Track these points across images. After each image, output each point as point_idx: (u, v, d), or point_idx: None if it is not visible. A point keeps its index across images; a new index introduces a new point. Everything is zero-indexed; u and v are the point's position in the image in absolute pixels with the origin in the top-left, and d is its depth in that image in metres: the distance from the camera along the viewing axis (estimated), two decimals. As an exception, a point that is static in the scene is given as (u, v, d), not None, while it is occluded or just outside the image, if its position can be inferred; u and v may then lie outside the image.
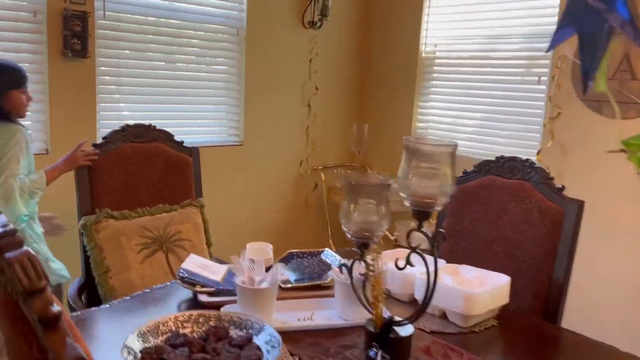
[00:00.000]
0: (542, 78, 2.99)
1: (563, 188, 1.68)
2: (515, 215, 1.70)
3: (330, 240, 3.73)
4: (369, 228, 1.27)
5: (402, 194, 1.19)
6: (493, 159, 1.83)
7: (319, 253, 1.78)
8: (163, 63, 3.04)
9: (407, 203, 1.20)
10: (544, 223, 1.63)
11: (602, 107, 2.72)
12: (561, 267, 1.60)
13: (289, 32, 3.49)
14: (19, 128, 2.05)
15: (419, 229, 1.21)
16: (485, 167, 1.84)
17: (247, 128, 3.39)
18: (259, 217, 3.48)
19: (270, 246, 1.67)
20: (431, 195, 1.15)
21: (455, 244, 1.85)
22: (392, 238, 3.21)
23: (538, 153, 2.96)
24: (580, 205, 1.63)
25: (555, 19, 2.86)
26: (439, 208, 1.17)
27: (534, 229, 1.65)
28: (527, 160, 1.76)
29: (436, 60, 3.54)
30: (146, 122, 2.23)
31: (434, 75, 3.56)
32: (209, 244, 2.22)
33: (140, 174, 2.14)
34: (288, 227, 3.73)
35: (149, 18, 2.92)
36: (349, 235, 1.30)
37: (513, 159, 1.78)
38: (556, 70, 2.87)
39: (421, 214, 1.19)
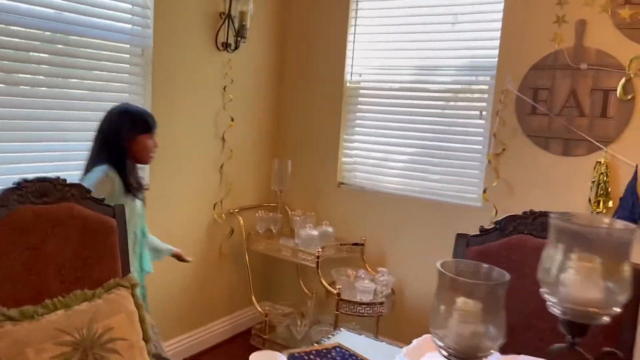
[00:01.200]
0: (483, 112, 2.87)
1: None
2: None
3: (253, 297, 3.23)
4: (475, 345, 0.89)
5: (547, 297, 0.84)
6: (519, 213, 1.57)
7: (330, 351, 1.34)
8: (44, 89, 2.31)
9: (555, 310, 0.84)
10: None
11: (549, 143, 2.66)
12: (626, 340, 1.36)
13: (201, 54, 2.96)
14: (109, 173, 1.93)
15: (571, 346, 0.85)
16: (510, 223, 1.57)
17: (151, 166, 2.77)
18: (165, 274, 2.85)
19: (282, 357, 1.20)
20: (597, 303, 0.80)
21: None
22: (334, 291, 2.82)
23: (484, 192, 2.82)
24: None
25: (496, 52, 2.77)
26: (606, 319, 0.82)
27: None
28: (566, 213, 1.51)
29: (362, 91, 3.28)
30: (51, 174, 1.58)
31: (361, 106, 3.30)
32: (146, 339, 1.63)
33: (46, 249, 1.50)
34: (199, 283, 3.15)
35: (30, 31, 2.21)
36: (444, 352, 0.91)
37: (546, 214, 1.52)
38: (499, 105, 2.76)
39: (577, 327, 0.84)
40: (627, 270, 0.77)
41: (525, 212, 1.55)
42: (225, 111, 3.15)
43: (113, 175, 1.93)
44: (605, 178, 2.50)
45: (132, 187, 1.99)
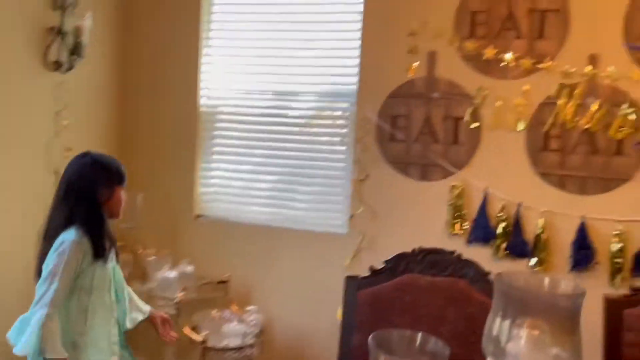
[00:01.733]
0: (345, 139, 2.86)
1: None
2: (456, 323, 1.41)
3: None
4: None
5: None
6: (408, 251, 1.52)
7: None
8: None
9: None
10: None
11: (409, 168, 2.73)
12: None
13: (25, 75, 2.51)
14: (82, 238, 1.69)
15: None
16: (400, 262, 1.51)
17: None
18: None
19: None
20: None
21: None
22: (198, 339, 2.55)
23: (351, 218, 2.80)
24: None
25: (356, 79, 2.79)
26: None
27: (487, 339, 1.39)
28: (452, 252, 1.50)
29: (221, 116, 3.08)
30: None
31: (219, 132, 3.09)
32: None
33: None
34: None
35: None
36: None
37: (436, 252, 1.49)
38: (361, 132, 2.77)
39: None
40: (577, 337, 0.72)
41: (414, 250, 1.51)
42: (59, 140, 2.70)
43: (85, 240, 1.69)
44: (460, 201, 2.63)
45: (104, 251, 1.74)
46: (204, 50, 3.07)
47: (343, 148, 2.87)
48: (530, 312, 0.73)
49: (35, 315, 1.56)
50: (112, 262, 1.83)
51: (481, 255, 2.50)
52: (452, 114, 2.65)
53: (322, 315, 2.84)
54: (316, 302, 2.86)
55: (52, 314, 1.57)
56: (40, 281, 1.64)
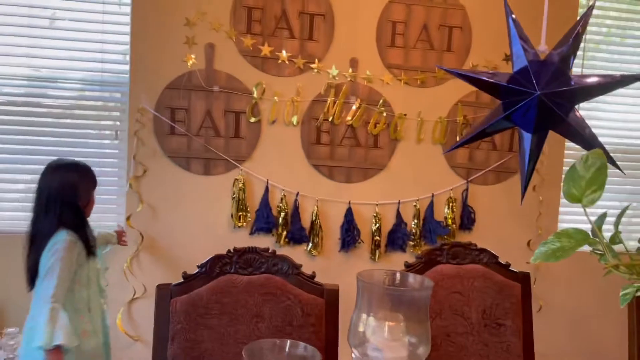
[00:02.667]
0: (119, 132, 2.63)
1: (314, 275, 1.56)
2: (273, 319, 1.45)
3: None
4: None
5: (354, 352, 0.80)
6: (223, 252, 1.48)
7: None
8: None
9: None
10: (309, 319, 1.47)
11: (190, 163, 2.67)
12: None
13: None
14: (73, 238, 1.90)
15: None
16: (216, 265, 1.47)
17: None
18: None
19: None
20: None
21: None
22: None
23: (128, 219, 2.59)
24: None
25: (128, 67, 2.58)
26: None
27: (303, 328, 1.45)
28: (267, 249, 1.52)
29: (-50, 104, 2.49)
30: None
31: (-50, 124, 2.50)
32: None
33: None
34: None
35: None
36: None
37: (250, 251, 1.50)
38: (137, 125, 2.59)
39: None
40: (426, 324, 0.83)
41: (229, 251, 1.49)
42: None
43: (76, 239, 1.89)
44: (243, 194, 2.69)
45: (93, 247, 1.97)
46: None
47: (116, 142, 2.63)
48: (387, 306, 0.81)
49: (41, 311, 1.71)
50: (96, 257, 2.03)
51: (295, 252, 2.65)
52: (233, 108, 2.67)
53: (99, 327, 2.59)
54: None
55: (56, 306, 1.72)
56: (38, 281, 1.81)
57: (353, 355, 0.85)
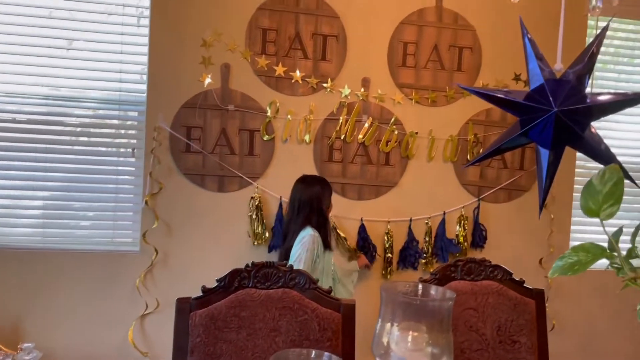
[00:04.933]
0: (135, 150, 2.67)
1: (331, 290, 1.57)
2: (290, 332, 1.46)
3: None
4: None
5: None
6: (241, 267, 1.51)
7: None
8: None
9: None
10: (326, 334, 1.48)
11: (205, 180, 2.71)
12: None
13: None
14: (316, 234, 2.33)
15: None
16: (234, 279, 1.49)
17: None
18: None
19: None
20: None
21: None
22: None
23: (144, 235, 2.62)
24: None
25: (145, 86, 2.64)
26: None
27: (320, 342, 1.47)
28: (284, 264, 1.54)
29: (-27, 122, 2.55)
30: None
31: (-29, 142, 2.55)
32: None
33: None
34: None
35: None
36: None
37: (268, 265, 1.52)
38: (153, 143, 2.64)
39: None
40: (449, 335, 0.85)
41: (247, 265, 1.51)
42: None
43: (317, 235, 2.32)
44: (260, 211, 2.72)
45: (329, 243, 2.41)
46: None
47: (133, 160, 2.68)
48: (410, 316, 0.83)
49: None
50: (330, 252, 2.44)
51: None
52: (248, 127, 2.72)
53: (112, 340, 2.62)
54: (105, 328, 2.62)
55: None
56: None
57: (377, 365, 0.87)
